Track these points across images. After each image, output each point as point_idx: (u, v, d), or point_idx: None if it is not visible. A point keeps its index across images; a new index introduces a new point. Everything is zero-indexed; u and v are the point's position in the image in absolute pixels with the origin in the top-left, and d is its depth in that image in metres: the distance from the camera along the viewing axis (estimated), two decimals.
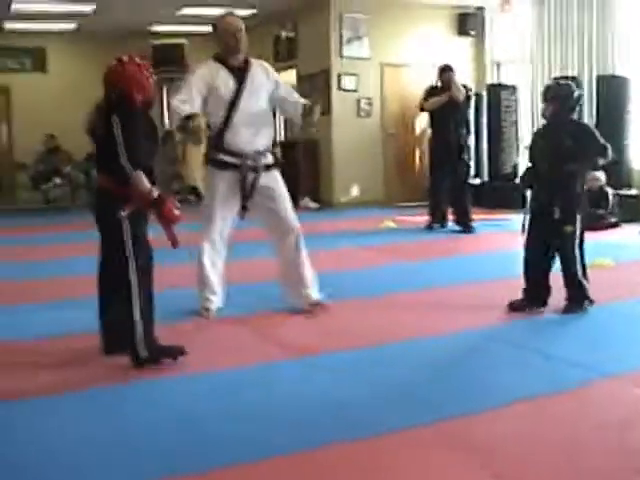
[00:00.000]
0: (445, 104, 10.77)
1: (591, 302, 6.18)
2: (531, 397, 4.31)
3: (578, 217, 6.11)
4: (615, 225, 10.95)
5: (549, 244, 6.17)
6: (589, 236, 9.98)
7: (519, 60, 14.67)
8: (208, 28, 16.63)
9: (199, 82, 6.05)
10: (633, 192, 11.85)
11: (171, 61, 16.72)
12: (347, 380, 4.71)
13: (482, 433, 3.87)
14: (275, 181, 6.28)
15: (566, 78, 12.41)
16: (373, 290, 7.12)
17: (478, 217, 11.23)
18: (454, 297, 6.75)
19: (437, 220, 10.99)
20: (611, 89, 12.08)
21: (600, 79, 12.32)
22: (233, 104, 6.05)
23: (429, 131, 11.85)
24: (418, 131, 14.87)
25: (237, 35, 6.14)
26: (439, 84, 11.15)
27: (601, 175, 11.12)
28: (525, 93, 14.16)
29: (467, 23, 15.10)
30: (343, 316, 6.19)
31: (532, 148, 6.46)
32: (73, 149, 15.48)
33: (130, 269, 4.86)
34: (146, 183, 4.81)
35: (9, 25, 15.48)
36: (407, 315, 6.28)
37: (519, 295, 6.23)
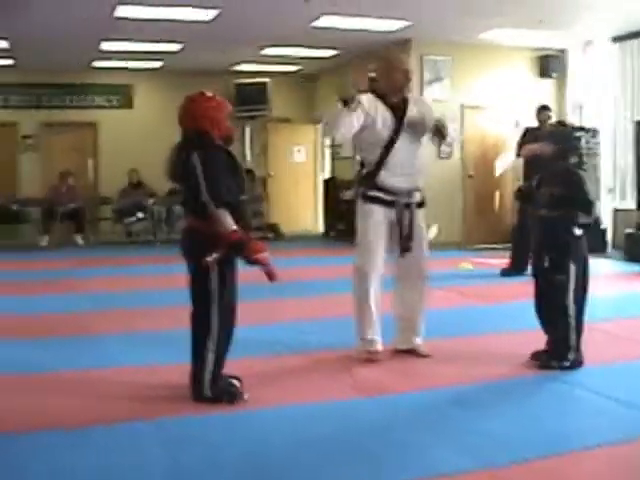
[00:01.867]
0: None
1: (573, 363, 5.83)
2: (602, 443, 4.29)
3: (571, 266, 5.82)
4: None
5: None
6: None
7: (601, 102, 14.56)
8: (290, 67, 16.97)
9: (361, 112, 5.88)
10: None
11: (254, 100, 16.98)
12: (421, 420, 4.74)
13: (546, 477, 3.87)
14: (421, 221, 6.21)
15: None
16: (443, 331, 7.13)
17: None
18: (527, 341, 6.66)
19: (516, 267, 10.74)
20: None
21: None
22: (391, 143, 5.94)
23: (520, 172, 11.64)
24: (498, 173, 14.84)
25: (408, 75, 6.06)
26: (537, 124, 10.99)
27: None
28: (607, 136, 14.05)
29: (548, 65, 15.04)
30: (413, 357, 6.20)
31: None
32: (156, 184, 15.74)
33: (212, 309, 4.92)
34: (229, 221, 4.78)
35: (98, 64, 15.89)
36: (479, 357, 6.29)
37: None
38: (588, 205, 5.88)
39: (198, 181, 4.78)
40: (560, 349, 5.86)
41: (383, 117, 5.96)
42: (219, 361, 4.99)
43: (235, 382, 5.16)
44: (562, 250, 5.83)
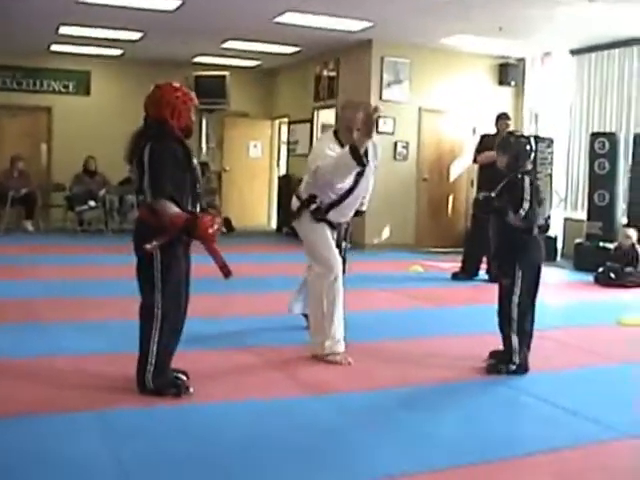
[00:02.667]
0: None
1: (519, 367, 5.89)
2: (545, 449, 4.32)
3: (517, 271, 5.88)
4: None
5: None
6: (618, 292, 10.12)
7: (557, 113, 14.70)
8: (250, 62, 16.93)
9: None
10: None
11: (213, 93, 16.89)
12: (366, 421, 4.75)
13: None
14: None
15: (604, 134, 12.54)
16: (390, 333, 7.16)
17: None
18: (475, 344, 6.70)
19: (467, 272, 10.86)
20: None
21: (638, 136, 12.31)
22: (350, 192, 6.08)
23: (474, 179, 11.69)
24: (453, 178, 14.93)
25: (353, 132, 5.85)
26: (494, 131, 11.05)
27: (633, 233, 11.13)
28: (562, 146, 14.18)
29: (507, 73, 15.15)
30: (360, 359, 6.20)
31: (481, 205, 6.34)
32: (109, 173, 15.64)
33: (156, 299, 4.89)
34: (172, 208, 4.74)
35: (56, 47, 15.72)
36: (423, 359, 6.32)
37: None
38: (519, 205, 5.89)
39: (144, 173, 4.78)
40: (507, 353, 5.92)
41: None
42: (164, 353, 4.95)
43: (181, 376, 5.13)
44: (510, 253, 5.94)
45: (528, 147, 6.09)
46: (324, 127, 15.93)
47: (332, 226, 6.26)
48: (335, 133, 6.15)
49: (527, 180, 5.96)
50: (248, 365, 5.88)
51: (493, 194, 6.10)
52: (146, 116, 5.04)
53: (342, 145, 5.88)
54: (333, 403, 5.08)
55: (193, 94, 5.15)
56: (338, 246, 6.33)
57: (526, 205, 5.86)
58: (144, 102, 5.04)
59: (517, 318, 5.88)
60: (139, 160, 4.85)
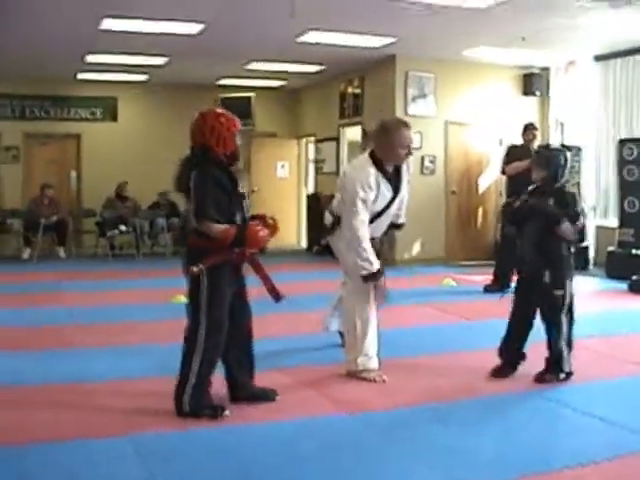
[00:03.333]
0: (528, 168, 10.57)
1: (568, 375, 6.00)
2: (586, 462, 4.29)
3: (567, 282, 6.00)
4: None
5: (534, 309, 6.10)
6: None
7: (583, 121, 14.64)
8: (274, 82, 17.00)
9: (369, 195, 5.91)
10: None
11: (238, 114, 16.86)
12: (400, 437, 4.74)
13: None
14: None
15: (632, 140, 12.46)
16: (423, 349, 7.14)
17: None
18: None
19: (499, 284, 10.72)
20: None
21: None
22: (381, 214, 6.11)
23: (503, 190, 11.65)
24: (481, 190, 14.90)
25: (410, 149, 6.02)
26: (521, 142, 11.03)
27: None
28: (589, 154, 14.13)
29: (532, 83, 15.11)
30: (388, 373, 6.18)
31: (522, 207, 6.29)
32: (138, 197, 15.76)
33: (200, 321, 4.95)
34: (217, 227, 4.84)
35: (82, 75, 15.88)
36: (456, 374, 6.31)
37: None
38: (576, 216, 6.04)
39: (191, 200, 4.88)
40: (556, 363, 6.00)
41: (384, 192, 6.00)
42: (204, 375, 4.98)
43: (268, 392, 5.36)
44: (562, 264, 6.03)
45: (564, 160, 6.11)
46: (350, 144, 15.97)
47: None
48: (372, 154, 6.05)
49: (576, 194, 6.03)
50: (283, 385, 5.86)
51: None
52: (192, 144, 5.10)
53: (380, 166, 5.92)
54: (368, 421, 5.08)
55: (237, 120, 5.20)
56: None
57: (583, 219, 5.94)
58: (190, 130, 5.11)
59: (566, 328, 5.98)
60: (187, 188, 4.92)
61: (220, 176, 4.95)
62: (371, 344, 6.10)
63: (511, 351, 6.20)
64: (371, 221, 6.04)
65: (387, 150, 5.97)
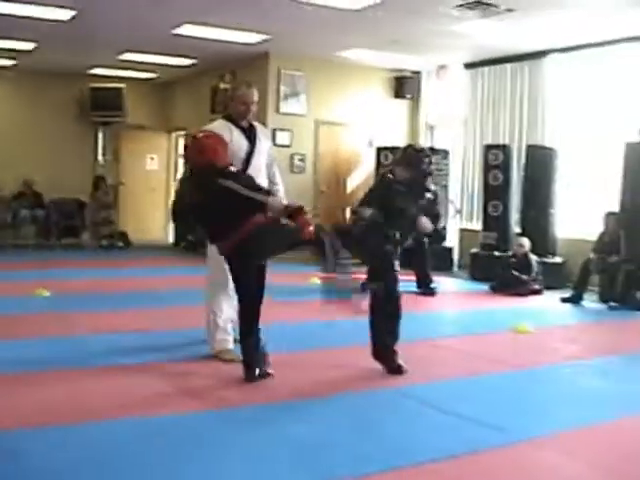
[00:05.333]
0: None
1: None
2: (444, 457, 4.36)
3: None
4: (538, 292, 11.15)
5: None
6: (512, 300, 10.36)
7: (452, 125, 14.95)
8: (146, 74, 16.79)
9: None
10: (557, 260, 12.10)
11: (109, 105, 16.76)
12: (260, 434, 4.73)
13: None
14: None
15: (497, 146, 12.80)
16: (289, 346, 7.15)
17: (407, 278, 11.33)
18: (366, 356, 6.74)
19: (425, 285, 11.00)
20: (539, 158, 12.34)
21: (529, 148, 12.59)
22: (247, 161, 6.27)
23: None
24: (350, 189, 15.03)
25: (249, 106, 6.39)
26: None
27: (526, 242, 11.38)
28: (457, 158, 14.42)
29: (403, 86, 15.35)
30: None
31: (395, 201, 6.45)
32: (3, 187, 15.36)
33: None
34: (280, 200, 5.56)
35: None
36: (327, 372, 6.34)
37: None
38: (437, 217, 6.50)
39: (237, 192, 5.40)
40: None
41: (238, 139, 6.30)
42: None
43: None
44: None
45: (428, 160, 6.28)
46: None
47: None
48: (224, 115, 6.53)
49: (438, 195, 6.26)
50: (143, 381, 5.79)
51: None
52: (193, 163, 5.74)
53: (234, 122, 6.34)
54: (228, 417, 5.02)
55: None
56: None
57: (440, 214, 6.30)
58: (187, 152, 6.07)
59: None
60: (206, 194, 5.52)
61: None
62: (226, 329, 6.57)
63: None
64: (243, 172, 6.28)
65: (232, 106, 6.46)
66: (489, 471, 4.24)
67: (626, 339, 8.50)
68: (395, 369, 6.20)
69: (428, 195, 6.40)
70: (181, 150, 18.15)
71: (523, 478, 4.17)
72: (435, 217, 6.44)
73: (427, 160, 6.35)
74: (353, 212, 6.59)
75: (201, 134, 5.78)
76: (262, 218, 5.54)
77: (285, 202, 5.67)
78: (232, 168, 5.66)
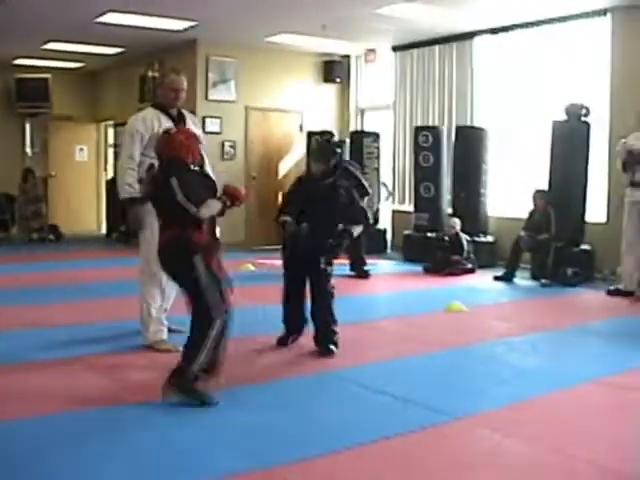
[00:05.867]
0: None
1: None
2: (379, 438, 4.38)
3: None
4: (471, 271, 11.27)
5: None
6: (445, 280, 10.46)
7: (382, 108, 14.99)
8: (72, 64, 16.57)
9: (139, 136, 6.43)
10: (489, 239, 12.22)
11: (35, 96, 16.51)
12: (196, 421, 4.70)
13: (326, 474, 3.93)
14: None
15: (427, 127, 12.87)
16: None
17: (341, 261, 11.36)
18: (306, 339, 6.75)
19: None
20: (469, 139, 12.44)
21: (459, 129, 12.68)
22: None
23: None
24: (281, 175, 15.01)
25: (178, 93, 6.50)
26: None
27: (456, 222, 11.47)
28: (387, 140, 14.46)
29: (333, 70, 15.36)
30: None
31: (299, 192, 6.72)
32: None
33: None
34: (214, 203, 5.23)
35: None
36: (256, 357, 6.34)
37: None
38: (365, 216, 7.03)
39: (175, 195, 5.12)
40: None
41: (165, 126, 6.23)
42: None
43: None
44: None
45: (338, 151, 6.46)
46: None
47: None
48: (153, 104, 6.75)
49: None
50: (74, 376, 5.72)
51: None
52: (165, 156, 5.40)
53: (163, 110, 6.49)
54: (167, 406, 4.99)
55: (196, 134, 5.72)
56: None
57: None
58: (159, 145, 5.44)
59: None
60: (167, 191, 5.18)
61: (196, 177, 5.43)
62: (161, 319, 6.55)
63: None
64: None
65: (160, 94, 6.64)
66: (424, 450, 4.27)
67: (557, 316, 8.62)
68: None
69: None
70: (111, 141, 17.99)
71: (459, 456, 4.21)
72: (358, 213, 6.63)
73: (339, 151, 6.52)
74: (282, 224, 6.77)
75: (174, 130, 5.67)
76: (173, 235, 5.33)
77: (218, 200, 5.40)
78: (192, 166, 5.55)
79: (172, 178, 5.17)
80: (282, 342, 6.65)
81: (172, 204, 5.13)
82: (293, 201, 6.68)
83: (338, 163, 6.51)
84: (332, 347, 6.37)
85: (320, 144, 6.88)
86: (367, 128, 15.09)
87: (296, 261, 6.63)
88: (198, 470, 3.91)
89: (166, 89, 6.49)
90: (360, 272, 10.94)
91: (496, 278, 10.73)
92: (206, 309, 5.13)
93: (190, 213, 5.09)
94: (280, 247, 6.92)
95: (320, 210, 6.42)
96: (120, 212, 15.52)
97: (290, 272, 6.72)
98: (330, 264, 6.50)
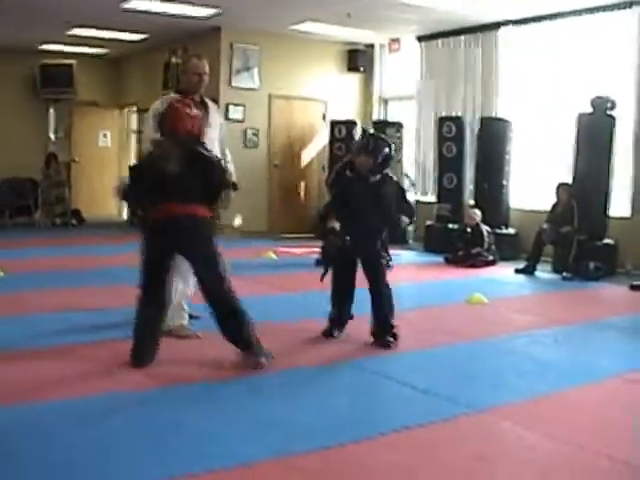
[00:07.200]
0: None
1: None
2: (400, 428, 4.37)
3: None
4: (492, 263, 11.23)
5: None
6: (467, 272, 10.42)
7: (406, 98, 14.94)
8: (97, 50, 16.60)
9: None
10: (511, 231, 12.17)
11: (59, 82, 16.55)
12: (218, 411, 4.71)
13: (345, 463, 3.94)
14: None
15: (451, 118, 12.82)
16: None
17: None
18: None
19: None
20: (493, 130, 12.38)
21: (483, 120, 12.63)
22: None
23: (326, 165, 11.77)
24: (304, 163, 15.01)
25: (202, 77, 6.53)
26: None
27: (477, 213, 11.43)
28: (411, 130, 14.41)
29: (356, 59, 15.32)
30: (210, 345, 6.16)
31: (344, 189, 6.50)
32: None
33: None
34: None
35: None
36: (277, 345, 6.32)
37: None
38: (412, 213, 6.77)
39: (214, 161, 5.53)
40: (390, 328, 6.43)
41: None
42: None
43: None
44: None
45: (389, 149, 6.30)
46: None
47: None
48: (176, 90, 6.75)
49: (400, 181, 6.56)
50: (94, 359, 5.73)
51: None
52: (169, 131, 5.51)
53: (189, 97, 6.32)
54: (181, 394, 4.99)
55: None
56: None
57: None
58: (164, 121, 5.53)
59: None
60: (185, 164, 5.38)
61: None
62: (181, 305, 6.50)
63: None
64: None
65: (184, 79, 6.64)
66: (445, 442, 4.26)
67: (579, 309, 8.58)
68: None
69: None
70: (134, 126, 18.00)
71: (479, 448, 4.19)
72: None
73: (389, 148, 6.40)
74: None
75: (178, 102, 5.72)
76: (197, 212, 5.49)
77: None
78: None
79: (200, 147, 5.36)
80: (327, 334, 6.53)
81: (208, 177, 5.34)
82: (338, 202, 6.48)
83: (386, 160, 6.35)
84: (390, 339, 6.33)
85: (372, 136, 6.73)
86: (390, 118, 15.05)
87: (346, 261, 6.43)
88: (216, 456, 3.91)
89: (189, 74, 6.52)
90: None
91: (517, 271, 10.69)
92: None
93: (224, 179, 5.45)
94: (314, 239, 6.82)
95: (368, 211, 6.28)
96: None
97: (338, 269, 6.46)
98: (385, 257, 6.55)
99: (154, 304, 5.56)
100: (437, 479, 3.79)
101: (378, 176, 6.32)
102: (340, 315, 6.52)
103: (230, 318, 5.50)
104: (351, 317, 6.58)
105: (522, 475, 3.89)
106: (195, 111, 5.66)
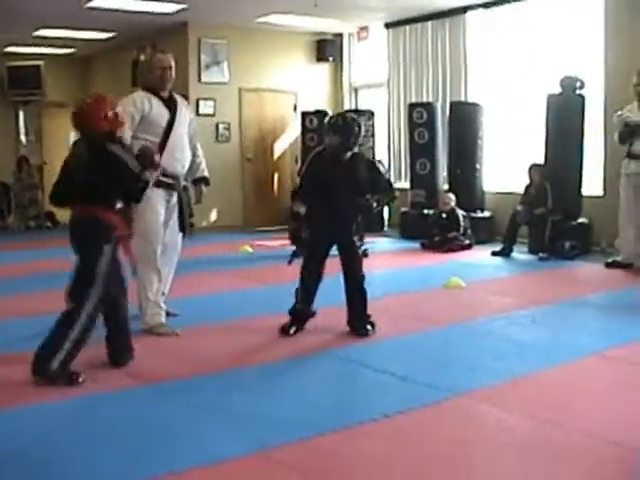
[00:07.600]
0: None
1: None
2: (380, 416, 4.38)
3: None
4: (468, 247, 11.25)
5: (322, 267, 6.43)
6: (443, 257, 10.44)
7: (376, 86, 14.94)
8: (65, 50, 16.49)
9: (129, 116, 6.25)
10: (486, 214, 12.20)
11: (28, 83, 16.44)
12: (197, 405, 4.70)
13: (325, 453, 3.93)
14: None
15: (422, 104, 12.81)
16: (222, 315, 7.11)
17: None
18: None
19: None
20: (464, 115, 12.39)
21: (453, 105, 12.63)
22: (169, 130, 6.41)
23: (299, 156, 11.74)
24: (277, 156, 14.99)
25: (166, 71, 6.53)
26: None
27: (451, 198, 11.46)
28: (382, 118, 14.41)
29: (325, 49, 15.28)
30: (188, 341, 6.17)
31: (317, 170, 6.47)
32: None
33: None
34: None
35: None
36: (255, 339, 6.32)
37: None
38: (390, 187, 6.69)
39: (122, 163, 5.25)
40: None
41: (159, 109, 6.47)
42: None
43: None
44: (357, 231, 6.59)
45: (358, 128, 6.30)
46: None
47: (168, 185, 6.46)
48: (143, 87, 6.65)
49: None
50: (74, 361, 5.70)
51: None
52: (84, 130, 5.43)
53: (153, 93, 6.49)
54: (163, 390, 4.98)
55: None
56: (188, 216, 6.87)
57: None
58: (77, 119, 5.44)
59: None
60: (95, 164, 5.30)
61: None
62: (158, 303, 6.47)
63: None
64: (163, 144, 6.36)
65: (149, 76, 6.58)
66: (425, 428, 4.28)
67: (556, 289, 8.61)
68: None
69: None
70: None
71: (459, 433, 4.20)
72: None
73: (357, 126, 6.38)
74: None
75: (89, 99, 5.55)
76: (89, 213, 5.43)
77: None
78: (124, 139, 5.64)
79: (111, 146, 5.23)
80: (285, 331, 6.42)
81: (116, 177, 5.23)
82: (308, 184, 6.47)
83: (356, 137, 6.32)
84: (369, 327, 6.35)
85: (342, 116, 6.71)
86: (361, 106, 15.02)
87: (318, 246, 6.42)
88: (196, 452, 3.91)
89: (154, 68, 6.51)
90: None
91: (494, 253, 10.71)
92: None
93: (138, 183, 5.25)
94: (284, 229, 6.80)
95: (341, 191, 6.27)
96: None
97: (310, 254, 6.43)
98: (361, 240, 6.57)
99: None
100: (417, 465, 3.80)
101: (349, 154, 6.33)
102: (304, 310, 6.45)
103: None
104: (313, 314, 6.51)
105: (501, 457, 3.91)
106: (112, 109, 5.42)
